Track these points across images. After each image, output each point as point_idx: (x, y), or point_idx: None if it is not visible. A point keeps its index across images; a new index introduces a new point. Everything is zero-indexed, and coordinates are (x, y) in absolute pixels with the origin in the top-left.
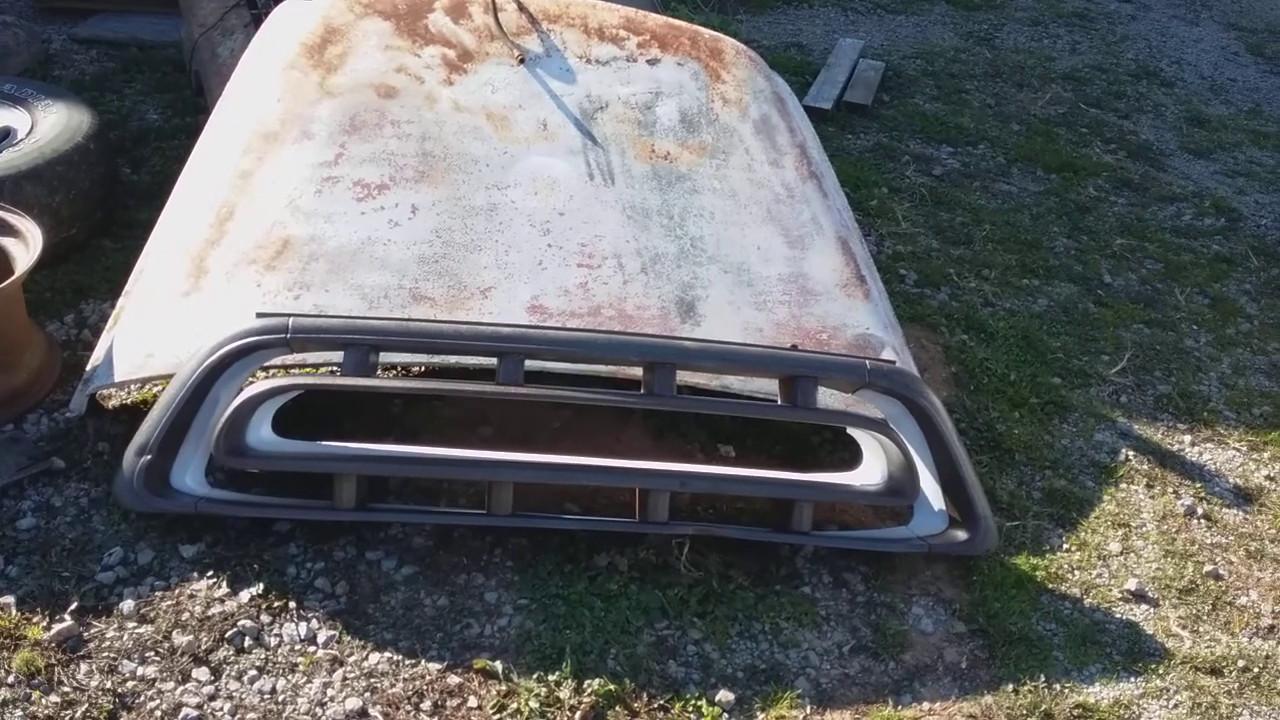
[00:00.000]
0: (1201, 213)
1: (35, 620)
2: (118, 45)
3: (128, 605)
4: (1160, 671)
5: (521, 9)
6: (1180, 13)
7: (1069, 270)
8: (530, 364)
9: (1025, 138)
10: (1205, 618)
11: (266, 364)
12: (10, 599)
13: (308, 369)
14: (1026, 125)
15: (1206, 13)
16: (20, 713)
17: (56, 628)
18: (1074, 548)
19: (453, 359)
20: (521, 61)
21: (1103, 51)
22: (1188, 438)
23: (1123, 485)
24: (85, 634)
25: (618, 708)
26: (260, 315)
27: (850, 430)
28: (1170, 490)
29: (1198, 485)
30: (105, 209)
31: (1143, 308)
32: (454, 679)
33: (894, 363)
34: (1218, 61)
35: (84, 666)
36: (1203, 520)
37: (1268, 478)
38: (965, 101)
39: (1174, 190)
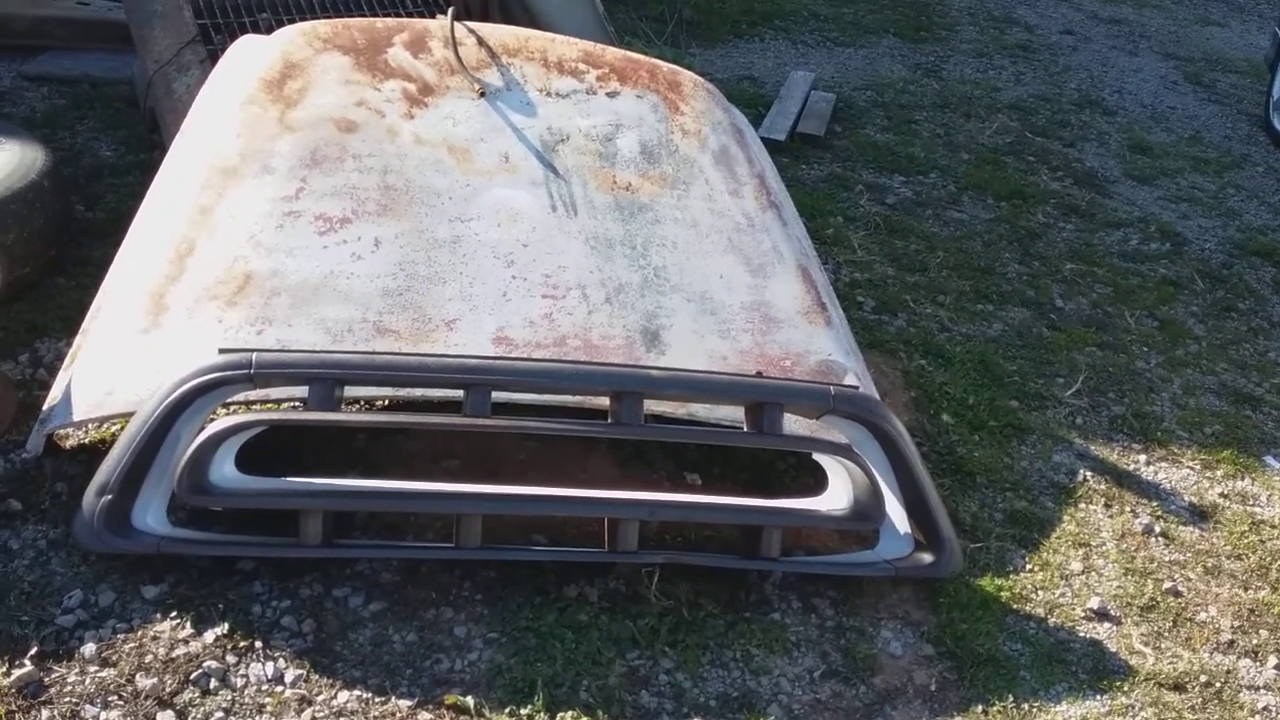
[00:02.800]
0: (1147, 237)
1: None
2: (69, 82)
3: (89, 649)
4: (1125, 689)
5: (481, 43)
6: (1120, 44)
7: (1021, 295)
8: (498, 395)
9: (975, 166)
10: (1167, 634)
11: (229, 400)
12: None
13: (271, 404)
14: (975, 154)
15: (1145, 43)
16: None
17: (16, 673)
18: (1037, 568)
19: (418, 392)
20: (482, 95)
21: (1046, 82)
22: (1143, 457)
23: (1082, 505)
24: (46, 679)
25: None
26: (223, 351)
27: (816, 456)
28: (1128, 509)
29: (1154, 504)
30: (59, 247)
31: (1094, 331)
32: (425, 715)
33: (857, 388)
34: (1157, 90)
35: (45, 712)
36: (1160, 538)
37: (1221, 495)
38: (915, 131)
39: (1120, 216)
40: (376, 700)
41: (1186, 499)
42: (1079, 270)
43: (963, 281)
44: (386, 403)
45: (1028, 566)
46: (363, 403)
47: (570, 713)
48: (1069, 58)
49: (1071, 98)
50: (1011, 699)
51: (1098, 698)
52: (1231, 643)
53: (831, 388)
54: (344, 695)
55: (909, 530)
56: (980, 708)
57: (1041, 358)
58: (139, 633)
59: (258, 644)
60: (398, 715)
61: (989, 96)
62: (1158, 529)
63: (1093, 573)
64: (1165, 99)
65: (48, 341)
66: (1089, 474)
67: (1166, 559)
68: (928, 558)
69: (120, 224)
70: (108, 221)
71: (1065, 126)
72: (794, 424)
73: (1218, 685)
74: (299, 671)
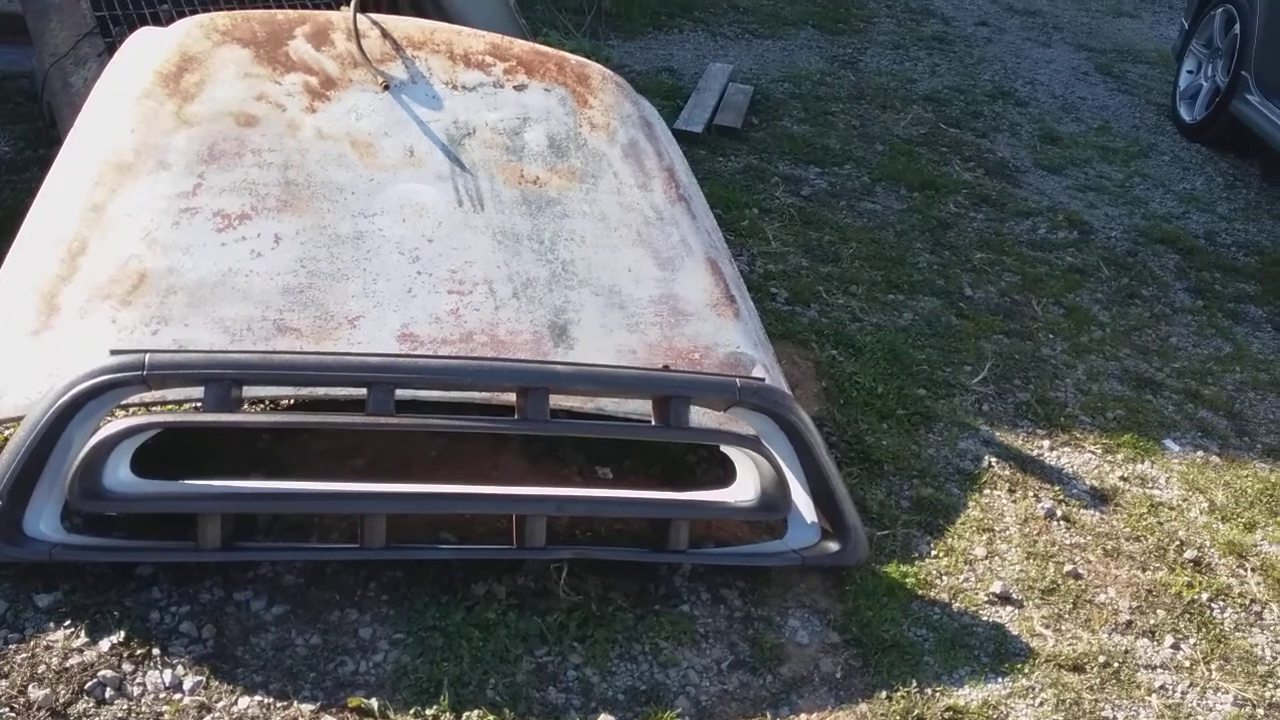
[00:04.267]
0: (1055, 226)
1: None
2: None
3: None
4: (1026, 671)
5: (385, 35)
6: (1034, 35)
7: (932, 285)
8: (405, 393)
9: (889, 157)
10: (1067, 616)
11: (125, 402)
12: None
13: (171, 405)
14: (890, 145)
15: (1058, 35)
16: None
17: None
18: (941, 554)
19: (320, 391)
20: (386, 88)
21: (961, 73)
22: (1046, 443)
23: (986, 491)
24: None
25: None
26: (114, 352)
27: (723, 448)
28: (1031, 494)
29: (1057, 488)
30: None
31: (1002, 319)
32: (328, 719)
33: (763, 380)
34: (1069, 81)
35: None
36: (1062, 522)
37: (1121, 478)
38: (831, 123)
39: (1029, 205)
40: (278, 705)
41: (1088, 483)
42: (988, 259)
43: (874, 272)
44: (291, 402)
45: (933, 553)
46: (268, 402)
47: (476, 711)
48: (984, 49)
49: (985, 89)
50: (915, 684)
51: (999, 680)
52: (1129, 623)
53: (737, 380)
54: (245, 701)
55: (816, 520)
56: (884, 694)
57: (950, 346)
58: (31, 643)
59: (155, 651)
60: None
61: (905, 88)
62: (1059, 513)
63: (996, 557)
64: (1076, 90)
65: None
66: (994, 460)
67: (1068, 542)
68: (834, 546)
69: (16, 222)
70: (2, 220)
71: (978, 117)
72: (704, 416)
73: (1116, 665)
74: (198, 678)
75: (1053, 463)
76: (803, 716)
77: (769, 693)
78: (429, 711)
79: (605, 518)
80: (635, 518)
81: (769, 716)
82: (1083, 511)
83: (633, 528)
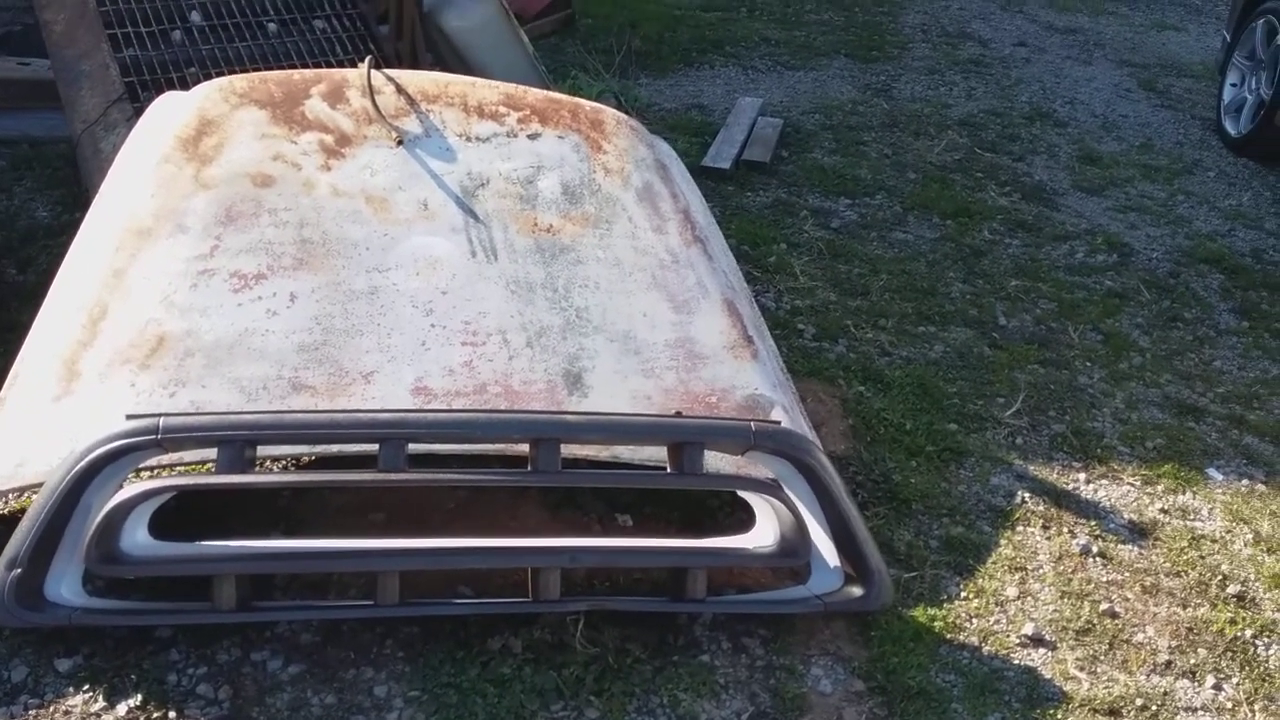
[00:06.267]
0: (1094, 250)
1: None
2: (8, 143)
3: None
4: (1059, 716)
5: (400, 91)
6: (1074, 53)
7: (964, 315)
8: (423, 446)
9: (921, 186)
10: (1103, 657)
11: (141, 466)
12: None
13: (192, 466)
14: (923, 173)
15: (1099, 52)
16: None
17: None
18: (971, 595)
19: (335, 448)
20: (400, 143)
21: (998, 96)
22: (1082, 476)
23: (1019, 528)
24: None
25: None
26: (130, 417)
27: (741, 493)
28: (1066, 530)
29: (1093, 523)
30: None
31: (1037, 348)
32: None
33: (780, 423)
34: (1110, 99)
35: None
36: (1098, 558)
37: (1161, 511)
38: (863, 153)
39: (1067, 229)
40: None
41: (1126, 517)
42: (1023, 286)
43: (905, 304)
44: (311, 459)
45: (962, 594)
46: (287, 460)
47: None
48: (1021, 70)
49: (1022, 111)
50: None
51: None
52: (1169, 663)
53: (752, 424)
54: None
55: (839, 564)
56: None
57: (982, 378)
58: (50, 708)
59: (171, 714)
60: None
61: (939, 114)
62: (1095, 549)
63: (1028, 597)
64: (1118, 107)
65: None
66: (1027, 495)
67: (1104, 579)
68: (858, 591)
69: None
70: (39, 285)
71: (1015, 140)
72: (722, 461)
73: (1154, 708)
74: None
75: (1089, 496)
76: None
77: None
78: None
79: (623, 567)
80: (651, 566)
81: None
82: (1120, 547)
83: (652, 576)
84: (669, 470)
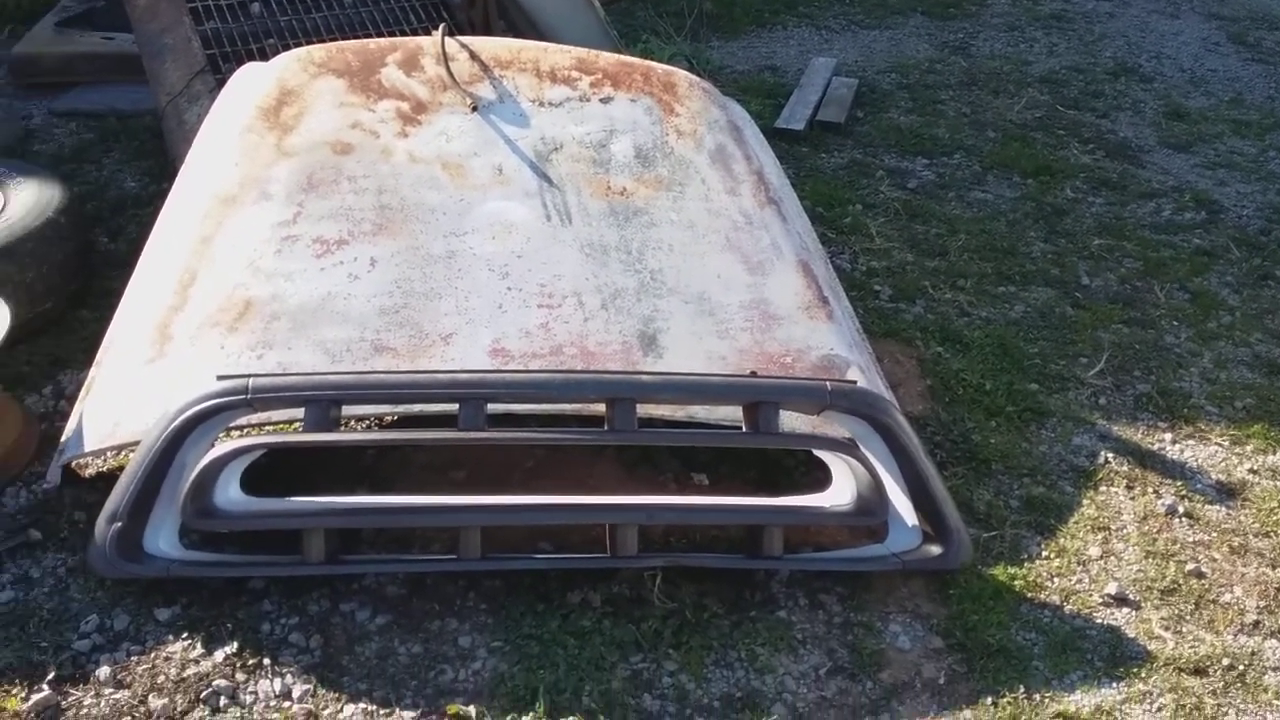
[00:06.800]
0: (1181, 207)
1: (14, 692)
2: (96, 116)
3: (104, 672)
4: (1143, 675)
5: (473, 57)
6: (1160, 6)
7: (1046, 274)
8: (502, 406)
9: (1001, 144)
10: (1188, 617)
11: (232, 425)
12: None
13: (281, 425)
14: (1002, 131)
15: (1187, 4)
16: None
17: (35, 698)
18: (1053, 555)
19: (416, 408)
20: (475, 109)
21: (1080, 52)
22: (1168, 436)
23: (1102, 488)
24: (63, 703)
25: None
26: (221, 378)
27: (817, 452)
28: (1151, 490)
29: (1179, 484)
30: (81, 281)
31: (1121, 307)
32: None
33: (856, 383)
34: (1198, 53)
35: None
36: (1184, 519)
37: (1250, 471)
38: (940, 112)
39: (1153, 186)
40: (381, 713)
41: (1213, 477)
42: (1107, 245)
43: (984, 264)
44: (394, 418)
45: (1043, 554)
46: (370, 420)
47: (572, 718)
48: (1105, 25)
49: (1106, 67)
50: (1023, 689)
51: (1114, 685)
52: (1257, 623)
53: (828, 383)
54: (350, 709)
55: (917, 523)
56: (990, 699)
57: (1064, 338)
58: (152, 654)
59: (266, 661)
60: None
61: (1019, 71)
62: (1182, 509)
63: (1112, 557)
64: (1206, 62)
65: (70, 374)
66: (1111, 456)
67: (1190, 540)
68: (936, 550)
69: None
70: (130, 253)
71: (1098, 97)
72: (798, 421)
73: (1241, 668)
74: (306, 686)
75: (1175, 457)
76: None
77: (868, 699)
78: (525, 718)
79: (699, 525)
80: (727, 524)
81: None
82: (1207, 507)
83: (728, 533)
84: (745, 430)
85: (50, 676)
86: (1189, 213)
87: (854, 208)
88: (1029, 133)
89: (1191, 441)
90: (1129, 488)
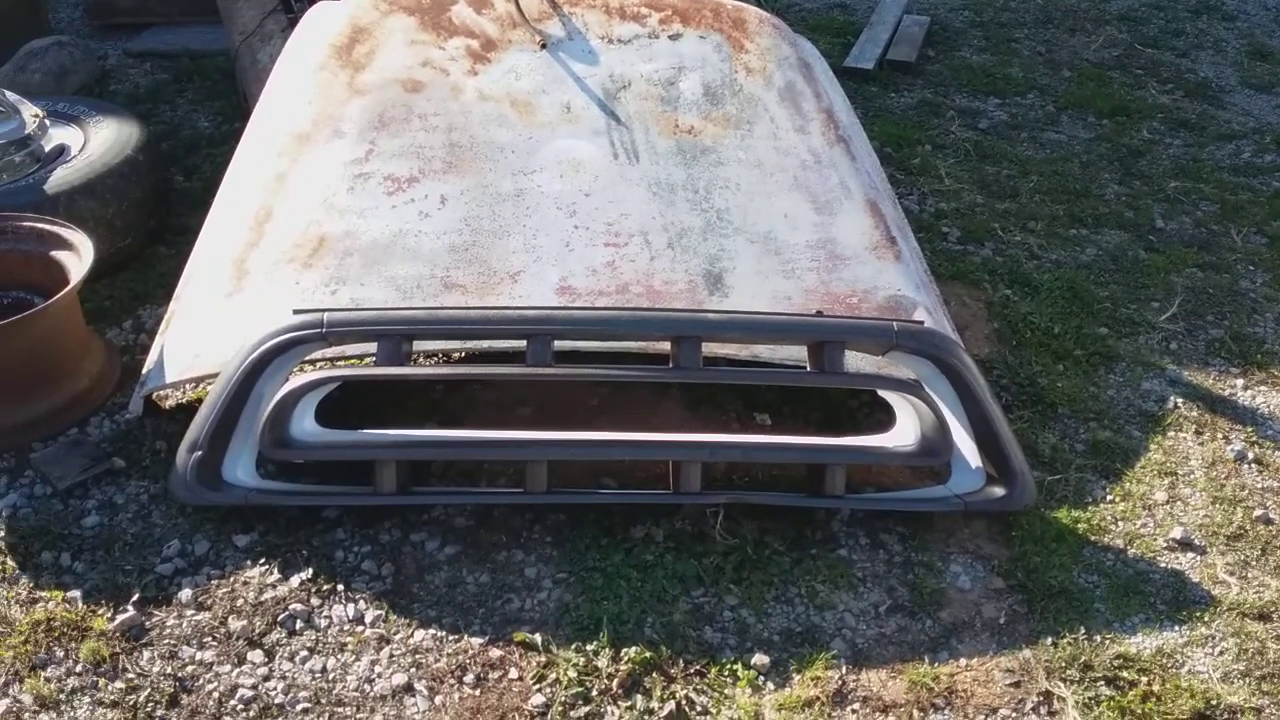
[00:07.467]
0: (1262, 149)
1: (100, 612)
2: (170, 57)
3: (186, 594)
4: (1206, 619)
5: None
6: None
7: (1119, 217)
8: (566, 343)
9: (1076, 84)
10: (1254, 563)
11: (308, 358)
12: (77, 593)
13: (353, 359)
14: (1078, 71)
15: None
16: (88, 699)
17: (120, 618)
18: (1118, 499)
19: (484, 343)
20: (544, 47)
21: None
22: (1240, 381)
23: (1170, 433)
24: (147, 623)
25: (654, 674)
26: (297, 312)
27: (881, 392)
28: (1220, 436)
29: (1249, 430)
30: (158, 217)
31: (1196, 251)
32: (495, 652)
33: (923, 323)
34: None
35: (146, 653)
36: (1254, 465)
37: None
38: (1014, 51)
39: (1233, 128)
40: (450, 638)
41: None
42: (1184, 188)
43: (1056, 206)
44: (462, 354)
45: (1108, 498)
46: (439, 356)
47: (634, 648)
48: None
49: (1188, 4)
50: (1083, 630)
51: (1176, 629)
52: None
53: (894, 323)
54: (420, 634)
55: (980, 464)
56: (1050, 640)
57: (1136, 282)
58: (231, 579)
59: (340, 587)
60: (469, 652)
61: (1096, 8)
62: (1251, 455)
63: (1178, 502)
64: None
65: (149, 308)
66: (1180, 401)
67: (1259, 486)
68: (999, 491)
69: (216, 193)
70: (204, 190)
71: (1179, 35)
72: (862, 361)
73: None
74: (378, 612)
75: (1246, 403)
76: (962, 661)
77: (928, 637)
78: (589, 647)
79: (762, 463)
80: (789, 463)
81: (927, 660)
82: (1277, 454)
83: (790, 473)
84: (809, 369)
85: (135, 598)
86: (1270, 155)
87: (923, 148)
88: (1105, 72)
89: (1264, 387)
90: (1198, 433)
